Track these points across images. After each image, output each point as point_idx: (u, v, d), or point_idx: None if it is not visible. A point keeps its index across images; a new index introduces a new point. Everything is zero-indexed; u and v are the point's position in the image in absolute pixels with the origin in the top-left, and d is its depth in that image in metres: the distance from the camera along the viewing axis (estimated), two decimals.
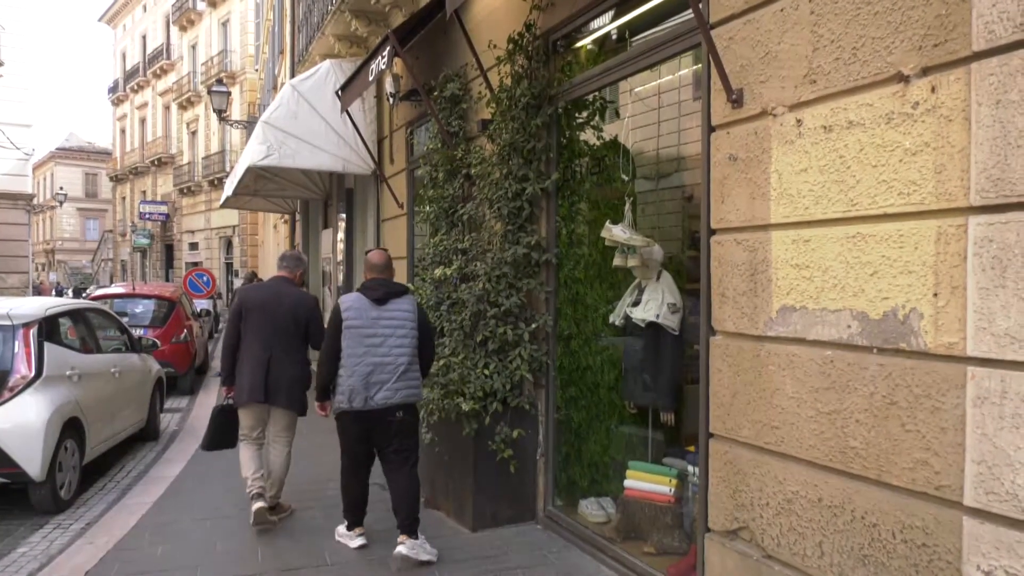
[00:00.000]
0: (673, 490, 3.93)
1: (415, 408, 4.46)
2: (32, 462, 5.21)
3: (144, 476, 6.36)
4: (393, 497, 4.38)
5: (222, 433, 5.11)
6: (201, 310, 14.97)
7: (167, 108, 36.63)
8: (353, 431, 4.36)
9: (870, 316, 2.48)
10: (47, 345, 5.73)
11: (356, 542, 4.49)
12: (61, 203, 40.00)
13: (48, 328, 5.88)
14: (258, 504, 4.79)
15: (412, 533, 4.25)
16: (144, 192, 39.03)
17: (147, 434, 7.70)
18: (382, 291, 4.39)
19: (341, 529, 4.63)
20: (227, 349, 4.97)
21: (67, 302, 7.02)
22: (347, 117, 7.49)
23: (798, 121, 2.75)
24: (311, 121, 7.79)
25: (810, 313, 2.70)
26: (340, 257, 10.69)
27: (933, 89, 2.28)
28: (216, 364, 13.85)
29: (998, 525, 2.11)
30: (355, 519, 4.57)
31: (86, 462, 6.07)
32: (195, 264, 30.29)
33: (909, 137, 2.36)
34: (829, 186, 2.62)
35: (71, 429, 5.73)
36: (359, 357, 4.23)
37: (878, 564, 2.47)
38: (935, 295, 2.28)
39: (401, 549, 4.18)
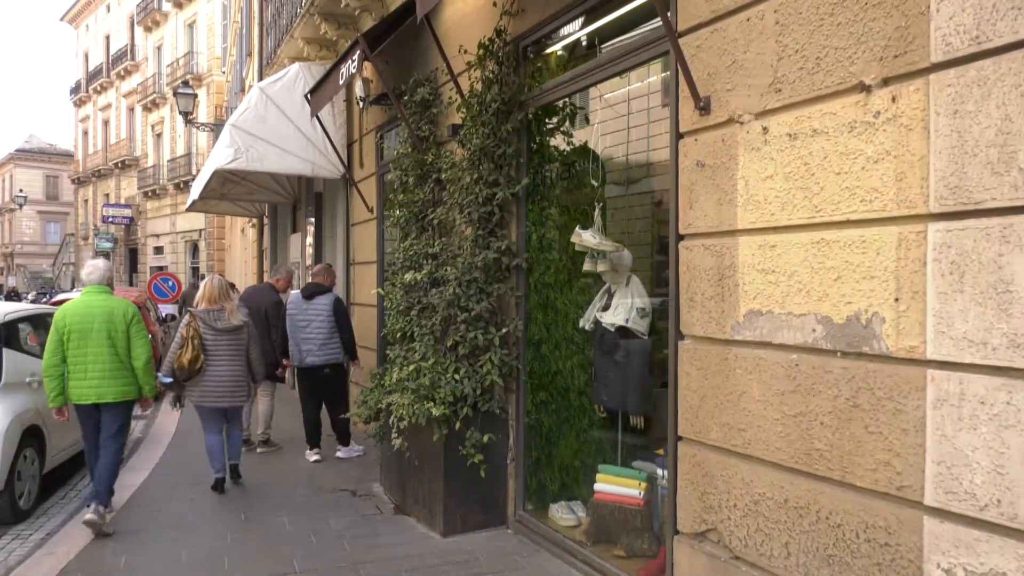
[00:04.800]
0: (643, 493, 3.95)
1: (339, 366, 6.79)
2: None
3: None
4: (331, 422, 6.83)
5: None
6: (166, 315, 14.71)
7: (131, 110, 35.99)
8: (301, 380, 6.90)
9: (834, 320, 2.53)
10: (6, 351, 5.62)
11: (313, 457, 6.70)
12: (21, 206, 39.14)
13: (7, 334, 5.76)
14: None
15: (345, 443, 6.89)
16: (107, 195, 38.28)
17: None
18: (309, 291, 6.75)
19: (307, 451, 6.77)
20: None
21: (27, 307, 6.86)
22: (316, 121, 7.43)
23: (764, 129, 2.79)
24: (279, 124, 7.72)
25: (776, 317, 2.75)
26: (309, 262, 10.58)
27: (894, 99, 2.34)
28: None
29: (957, 524, 2.16)
30: (314, 442, 6.79)
31: (46, 470, 5.94)
32: (160, 268, 29.78)
33: (871, 145, 2.41)
34: (794, 192, 2.67)
35: (31, 437, 5.60)
36: (294, 333, 6.72)
37: (842, 564, 2.52)
38: (896, 300, 2.33)
39: (339, 453, 6.85)
